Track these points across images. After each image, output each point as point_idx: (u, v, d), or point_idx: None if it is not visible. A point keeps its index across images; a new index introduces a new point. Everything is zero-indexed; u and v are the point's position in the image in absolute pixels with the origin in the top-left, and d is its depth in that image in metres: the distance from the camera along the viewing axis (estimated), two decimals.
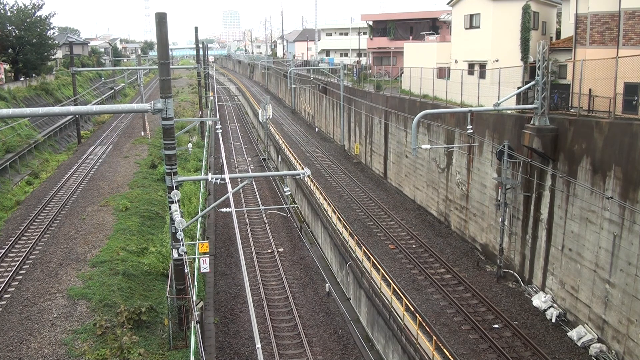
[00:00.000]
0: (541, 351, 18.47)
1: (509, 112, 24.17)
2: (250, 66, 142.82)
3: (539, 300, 21.73)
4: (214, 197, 41.47)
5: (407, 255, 27.19)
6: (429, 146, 25.48)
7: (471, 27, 35.19)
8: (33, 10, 60.41)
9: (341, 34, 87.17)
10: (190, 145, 33.77)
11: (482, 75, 32.44)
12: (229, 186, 15.85)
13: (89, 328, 19.29)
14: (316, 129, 65.18)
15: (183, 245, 15.32)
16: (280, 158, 52.89)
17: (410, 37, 55.92)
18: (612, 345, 18.15)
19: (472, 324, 20.50)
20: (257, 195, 44.81)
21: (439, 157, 31.56)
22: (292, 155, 48.55)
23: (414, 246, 28.44)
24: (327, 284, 28.23)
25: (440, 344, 18.35)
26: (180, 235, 15.55)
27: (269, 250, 33.48)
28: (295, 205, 41.73)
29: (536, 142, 21.05)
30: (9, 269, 23.93)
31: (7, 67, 59.84)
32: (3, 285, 22.23)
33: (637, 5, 21.55)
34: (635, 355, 17.06)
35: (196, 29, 61.97)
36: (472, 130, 22.77)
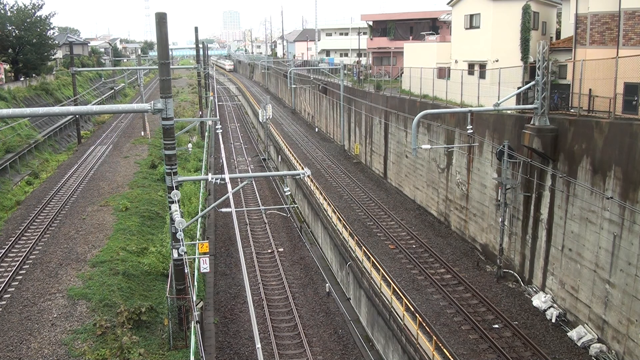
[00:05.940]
0: (541, 351, 18.47)
1: (509, 112, 24.17)
2: (250, 66, 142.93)
3: (539, 301, 21.73)
4: (214, 197, 41.46)
5: (407, 255, 27.19)
6: (429, 146, 25.47)
7: (471, 27, 35.17)
8: (33, 10, 60.42)
9: (341, 34, 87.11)
10: (190, 145, 33.79)
11: (482, 76, 32.42)
12: (229, 186, 15.85)
13: (89, 328, 19.29)
14: (316, 129, 65.17)
15: (183, 245, 15.31)
16: (280, 158, 52.88)
17: (410, 37, 55.90)
18: (612, 345, 18.15)
19: (472, 324, 20.50)
20: (257, 195, 44.81)
21: (439, 157, 31.55)
22: (292, 155, 48.55)
23: (414, 246, 28.44)
24: (327, 284, 28.23)
25: (440, 344, 18.35)
26: (180, 235, 15.55)
27: (269, 250, 33.48)
28: (295, 206, 41.72)
29: (536, 142, 21.05)
30: (9, 269, 23.92)
31: (7, 67, 59.82)
32: (3, 285, 22.22)
33: (637, 5, 21.53)
34: (635, 355, 17.06)
35: (196, 29, 62.00)
36: (472, 130, 22.74)
